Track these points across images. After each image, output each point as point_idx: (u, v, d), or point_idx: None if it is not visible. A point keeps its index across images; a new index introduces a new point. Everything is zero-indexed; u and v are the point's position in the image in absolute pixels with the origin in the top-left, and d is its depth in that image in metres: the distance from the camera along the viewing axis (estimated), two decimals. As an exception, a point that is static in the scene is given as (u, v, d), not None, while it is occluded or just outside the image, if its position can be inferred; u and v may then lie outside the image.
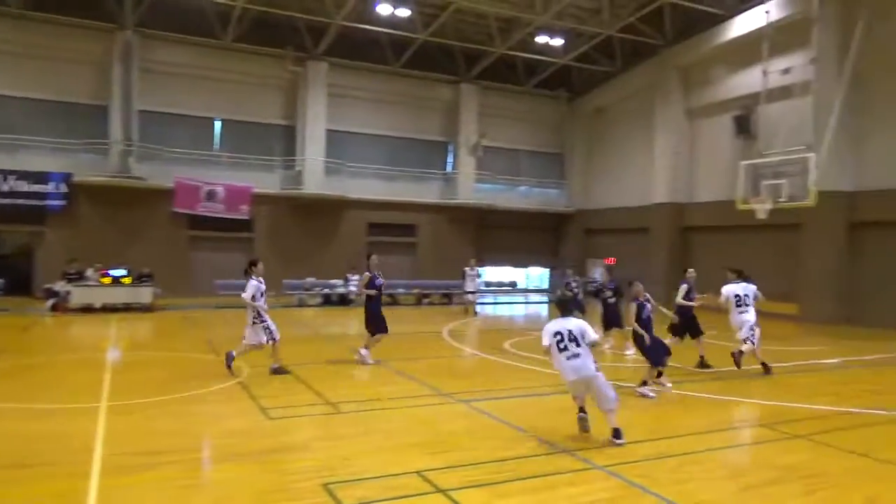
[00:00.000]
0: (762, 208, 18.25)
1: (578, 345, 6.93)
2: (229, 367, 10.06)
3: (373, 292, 11.42)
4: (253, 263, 10.44)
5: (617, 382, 9.09)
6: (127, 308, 19.37)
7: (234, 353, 10.18)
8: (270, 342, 10.23)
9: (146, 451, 6.36)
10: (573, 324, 7.08)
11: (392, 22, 25.07)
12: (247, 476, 5.75)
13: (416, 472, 5.79)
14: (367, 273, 11.46)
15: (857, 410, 8.64)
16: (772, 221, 19.14)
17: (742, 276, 11.29)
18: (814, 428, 7.68)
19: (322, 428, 7.43)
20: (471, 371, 12.00)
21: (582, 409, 7.18)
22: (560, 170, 33.03)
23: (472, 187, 29.87)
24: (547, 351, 7.10)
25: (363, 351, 11.46)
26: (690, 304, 11.54)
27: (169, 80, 24.98)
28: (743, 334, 10.87)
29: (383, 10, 24.12)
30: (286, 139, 27.16)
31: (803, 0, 19.63)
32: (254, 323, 10.22)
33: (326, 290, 23.90)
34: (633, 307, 9.44)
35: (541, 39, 26.79)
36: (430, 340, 14.24)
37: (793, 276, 20.41)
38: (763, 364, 11.05)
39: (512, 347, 13.89)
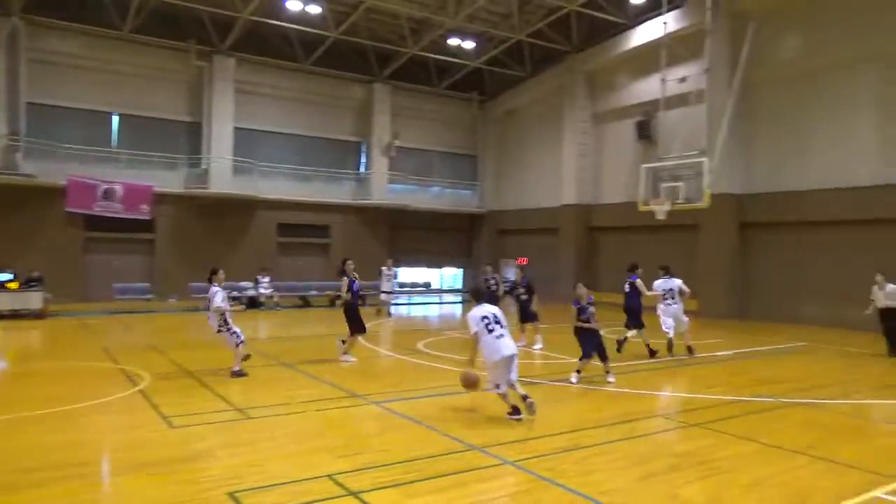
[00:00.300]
0: (661, 209, 19.17)
1: (502, 326, 7.65)
2: (241, 374, 10.22)
3: (347, 296, 12.14)
4: (214, 272, 10.54)
5: (527, 379, 9.32)
6: (14, 315, 18.08)
7: (236, 367, 10.28)
8: (240, 345, 10.35)
9: (38, 466, 5.95)
10: (494, 308, 7.84)
11: (303, 19, 24.64)
12: (149, 488, 5.49)
13: (327, 476, 5.71)
14: (346, 278, 12.10)
15: (746, 399, 9.24)
16: (672, 222, 20.16)
17: (668, 273, 12.69)
18: (709, 416, 8.16)
19: (229, 435, 7.18)
20: (384, 372, 11.97)
21: (515, 409, 7.61)
22: (472, 171, 33.48)
23: (385, 188, 29.78)
24: (475, 337, 7.55)
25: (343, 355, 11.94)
26: (656, 292, 12.56)
27: (61, 71, 23.49)
28: (685, 326, 12.65)
29: (293, 6, 23.69)
30: (191, 136, 26.09)
31: (698, 13, 20.81)
32: (219, 331, 10.34)
33: (235, 293, 23.12)
34: (573, 309, 9.94)
35: (453, 42, 27.10)
36: (342, 342, 14.04)
37: (692, 274, 21.52)
38: (669, 346, 12.53)
39: (426, 347, 13.97)
